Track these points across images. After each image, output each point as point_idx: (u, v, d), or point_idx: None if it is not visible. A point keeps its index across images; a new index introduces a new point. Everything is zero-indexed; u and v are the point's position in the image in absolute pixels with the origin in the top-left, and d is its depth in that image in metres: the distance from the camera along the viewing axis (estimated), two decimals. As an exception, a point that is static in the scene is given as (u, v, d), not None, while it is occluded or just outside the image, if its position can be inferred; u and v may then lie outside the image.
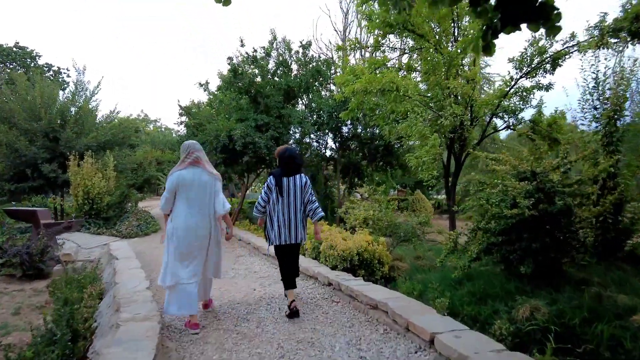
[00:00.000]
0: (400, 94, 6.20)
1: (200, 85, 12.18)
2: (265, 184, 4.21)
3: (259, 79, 10.60)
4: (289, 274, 4.24)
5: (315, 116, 11.62)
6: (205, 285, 4.10)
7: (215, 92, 12.82)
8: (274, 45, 11.13)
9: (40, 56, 22.48)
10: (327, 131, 12.14)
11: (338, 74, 11.41)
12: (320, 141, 12.55)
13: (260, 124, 9.87)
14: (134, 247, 9.01)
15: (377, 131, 10.98)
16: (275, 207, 4.11)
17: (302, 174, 4.23)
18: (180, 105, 13.02)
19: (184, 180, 3.73)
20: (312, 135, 12.34)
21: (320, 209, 4.32)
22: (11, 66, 20.56)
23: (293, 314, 3.99)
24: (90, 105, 13.36)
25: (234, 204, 16.17)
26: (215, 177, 3.92)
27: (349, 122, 11.42)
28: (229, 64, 10.11)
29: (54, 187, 12.14)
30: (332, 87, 12.41)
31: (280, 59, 11.06)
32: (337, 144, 12.33)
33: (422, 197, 14.87)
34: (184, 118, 13.31)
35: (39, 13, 62.14)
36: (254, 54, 11.01)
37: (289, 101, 11.17)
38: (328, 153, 13.03)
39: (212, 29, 75.38)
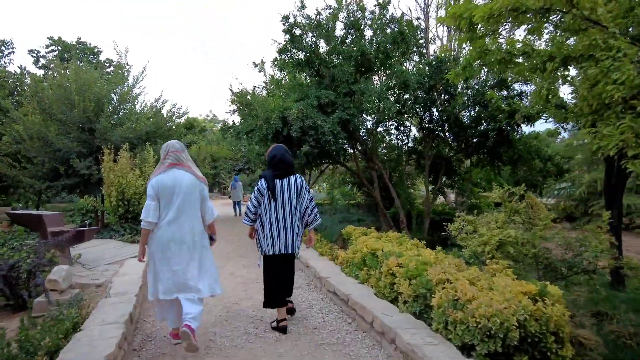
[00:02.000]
0: (581, 14, 3.37)
1: (255, 65, 10.04)
2: (256, 188, 3.91)
3: (322, 43, 8.12)
4: (279, 292, 3.90)
5: (395, 95, 8.89)
6: (196, 308, 3.34)
7: (271, 73, 10.62)
8: (343, 2, 8.57)
9: (101, 51, 22.22)
10: (410, 115, 9.40)
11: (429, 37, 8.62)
12: (401, 128, 9.79)
13: (325, 103, 7.40)
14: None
15: (487, 108, 7.97)
16: (267, 213, 3.81)
17: (298, 175, 3.95)
18: (231, 90, 10.97)
19: (163, 185, 3.32)
20: (389, 122, 9.64)
21: (319, 217, 4.04)
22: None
23: (281, 329, 3.80)
24: (132, 93, 11.78)
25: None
26: (202, 182, 3.50)
27: (443, 98, 8.57)
28: (283, 24, 7.74)
29: (89, 186, 10.66)
30: (418, 55, 9.56)
31: (352, 18, 8.45)
32: (424, 132, 9.50)
33: (537, 201, 11.43)
34: (236, 106, 11.27)
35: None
36: (317, 17, 8.56)
37: (362, 74, 8.55)
38: (409, 144, 10.23)
39: (212, 29, 74.81)
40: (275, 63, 8.98)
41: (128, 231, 9.86)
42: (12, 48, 19.14)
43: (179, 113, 12.61)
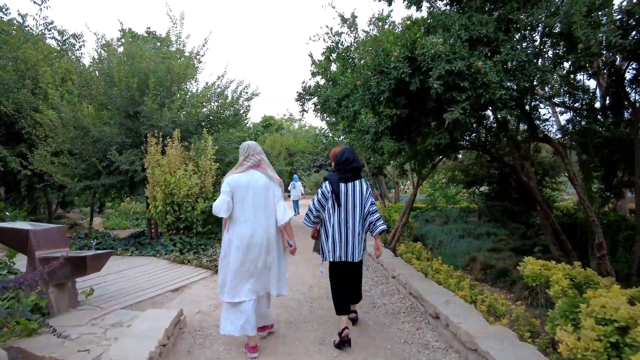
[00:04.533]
0: None
1: (344, 20, 7.15)
2: (319, 190, 3.74)
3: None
4: (343, 298, 3.71)
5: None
6: (264, 307, 3.61)
7: (368, 29, 7.54)
8: None
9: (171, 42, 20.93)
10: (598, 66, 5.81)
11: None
12: (576, 93, 6.19)
13: (479, 37, 4.18)
14: (206, 312, 4.32)
15: None
16: (331, 218, 3.66)
17: (363, 179, 3.76)
18: (311, 56, 8.07)
19: (238, 185, 3.39)
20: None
21: (382, 221, 3.69)
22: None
23: (343, 342, 3.52)
24: (188, 70, 9.49)
25: (388, 212, 10.75)
26: (275, 182, 3.52)
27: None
28: None
29: (134, 186, 8.52)
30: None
31: None
32: (621, 95, 5.83)
33: None
34: (318, 78, 8.36)
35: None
36: None
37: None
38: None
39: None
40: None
41: (178, 246, 7.47)
42: (83, 41, 18.38)
43: (248, 93, 10.08)
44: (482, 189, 12.22)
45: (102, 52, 9.05)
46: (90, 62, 9.38)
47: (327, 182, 3.69)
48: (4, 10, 17.61)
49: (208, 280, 6.05)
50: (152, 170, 7.48)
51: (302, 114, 8.27)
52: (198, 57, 10.14)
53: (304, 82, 6.09)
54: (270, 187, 3.44)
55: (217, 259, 6.75)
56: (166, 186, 7.40)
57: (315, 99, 6.01)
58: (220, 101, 9.73)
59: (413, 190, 8.43)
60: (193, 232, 7.87)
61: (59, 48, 16.48)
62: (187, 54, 9.81)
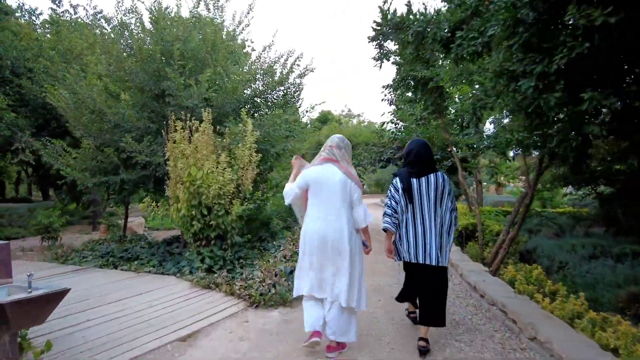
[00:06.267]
0: None
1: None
2: (391, 186, 3.44)
3: None
4: (412, 291, 3.54)
5: None
6: (336, 317, 3.12)
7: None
8: None
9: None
10: None
11: None
12: None
13: None
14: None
15: None
16: (404, 216, 3.32)
17: (439, 172, 3.33)
18: (381, 8, 5.87)
19: (311, 178, 3.22)
20: None
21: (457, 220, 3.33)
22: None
23: (412, 319, 3.73)
24: (225, 36, 7.77)
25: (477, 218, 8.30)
26: (355, 182, 3.19)
27: None
28: None
29: (159, 183, 6.91)
30: None
31: None
32: None
33: None
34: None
35: None
36: None
37: None
38: None
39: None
40: None
41: (207, 261, 5.72)
42: (131, 29, 17.71)
43: (300, 67, 8.14)
44: (599, 189, 9.39)
45: (124, 18, 7.57)
46: (111, 30, 7.97)
47: (397, 178, 3.43)
48: (57, 2, 17.34)
49: (237, 320, 4.19)
50: (174, 162, 5.79)
51: (380, 65, 5.19)
52: (241, 26, 8.41)
53: (385, 1, 3.91)
54: (348, 186, 3.16)
55: (252, 285, 4.89)
56: (191, 183, 5.67)
57: (402, 36, 3.85)
58: (266, 79, 7.88)
59: (527, 192, 6.01)
60: (227, 244, 6.09)
61: (105, 36, 15.80)
62: (226, 23, 8.10)
